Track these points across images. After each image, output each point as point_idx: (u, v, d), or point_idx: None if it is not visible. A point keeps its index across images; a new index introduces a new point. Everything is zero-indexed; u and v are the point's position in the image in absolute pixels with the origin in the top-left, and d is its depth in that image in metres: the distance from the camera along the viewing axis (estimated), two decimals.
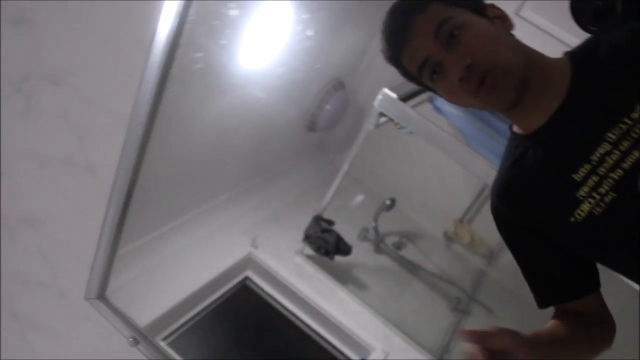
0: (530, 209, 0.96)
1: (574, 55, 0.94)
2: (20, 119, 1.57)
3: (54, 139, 1.56)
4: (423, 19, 0.91)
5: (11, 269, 1.87)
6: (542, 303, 1.01)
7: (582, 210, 0.88)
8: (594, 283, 0.99)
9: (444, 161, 2.41)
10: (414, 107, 2.33)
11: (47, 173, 1.60)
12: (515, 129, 1.00)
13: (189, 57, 1.44)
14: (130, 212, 1.54)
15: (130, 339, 1.71)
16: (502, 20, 0.96)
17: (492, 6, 0.97)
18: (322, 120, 2.93)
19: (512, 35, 0.95)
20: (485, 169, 2.12)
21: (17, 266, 1.85)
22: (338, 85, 2.95)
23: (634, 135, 0.83)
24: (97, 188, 1.51)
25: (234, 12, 1.53)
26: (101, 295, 1.69)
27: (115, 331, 1.74)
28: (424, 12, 0.91)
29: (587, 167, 0.87)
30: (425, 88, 1.01)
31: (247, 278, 2.63)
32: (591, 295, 0.98)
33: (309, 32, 2.10)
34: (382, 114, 2.34)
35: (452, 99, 0.95)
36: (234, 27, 1.63)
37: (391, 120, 2.37)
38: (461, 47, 0.88)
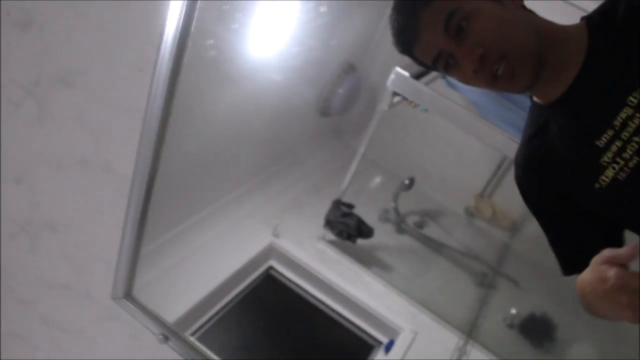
0: (555, 177, 0.96)
1: (590, 20, 0.91)
2: (33, 123, 1.56)
3: (68, 140, 1.54)
4: (430, 12, 0.89)
5: (36, 274, 1.87)
6: (567, 270, 1.01)
7: (606, 176, 0.87)
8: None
9: (461, 136, 2.37)
10: (427, 84, 2.28)
11: (65, 176, 1.59)
12: (536, 99, 0.99)
13: (201, 45, 1.40)
14: (151, 209, 1.52)
15: (160, 336, 1.71)
16: None
17: None
18: (335, 104, 2.90)
19: (523, 12, 0.91)
20: (502, 141, 2.08)
21: (42, 271, 1.85)
22: (349, 68, 2.91)
23: None
24: (116, 187, 1.49)
25: None
26: (128, 294, 1.69)
27: (145, 329, 1.74)
28: (431, 5, 0.89)
29: (610, 132, 0.85)
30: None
31: (271, 267, 2.62)
32: None
33: (322, 9, 2.05)
34: (395, 94, 2.31)
35: (469, 84, 0.94)
36: (244, 10, 1.59)
37: (405, 99, 2.33)
38: (472, 38, 0.86)
